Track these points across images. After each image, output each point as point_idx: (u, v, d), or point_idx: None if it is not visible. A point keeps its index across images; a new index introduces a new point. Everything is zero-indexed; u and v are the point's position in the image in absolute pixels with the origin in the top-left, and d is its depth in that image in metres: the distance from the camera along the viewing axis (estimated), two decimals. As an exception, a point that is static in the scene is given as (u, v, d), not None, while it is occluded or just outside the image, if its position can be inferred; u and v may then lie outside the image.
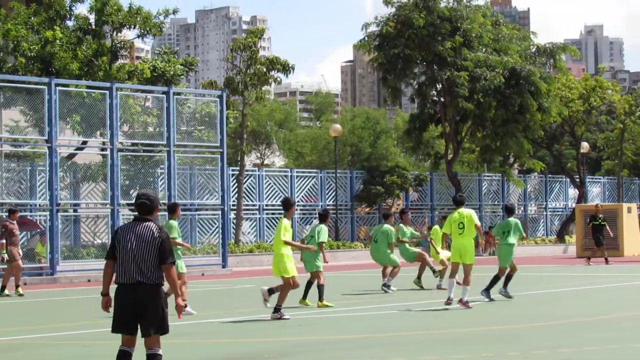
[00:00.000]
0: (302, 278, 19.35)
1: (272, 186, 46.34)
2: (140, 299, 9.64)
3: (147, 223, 9.82)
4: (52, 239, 31.36)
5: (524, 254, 47.17)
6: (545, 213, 58.62)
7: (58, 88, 32.19)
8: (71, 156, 37.65)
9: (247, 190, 44.63)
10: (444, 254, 25.38)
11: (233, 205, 42.36)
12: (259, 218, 45.62)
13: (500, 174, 56.40)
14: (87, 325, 17.19)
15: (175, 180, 34.87)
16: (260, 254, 41.42)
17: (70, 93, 34.07)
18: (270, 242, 44.51)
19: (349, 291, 25.15)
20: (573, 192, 60.12)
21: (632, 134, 62.56)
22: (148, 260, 9.68)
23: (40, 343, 15.43)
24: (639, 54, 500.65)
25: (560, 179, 60.63)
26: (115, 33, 39.61)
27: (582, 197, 57.74)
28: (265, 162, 72.55)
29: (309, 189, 47.98)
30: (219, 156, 36.15)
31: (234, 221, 42.49)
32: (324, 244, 20.65)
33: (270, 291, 18.28)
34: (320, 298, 20.47)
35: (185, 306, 19.38)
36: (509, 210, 22.30)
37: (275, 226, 45.50)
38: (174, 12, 40.90)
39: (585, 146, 57.52)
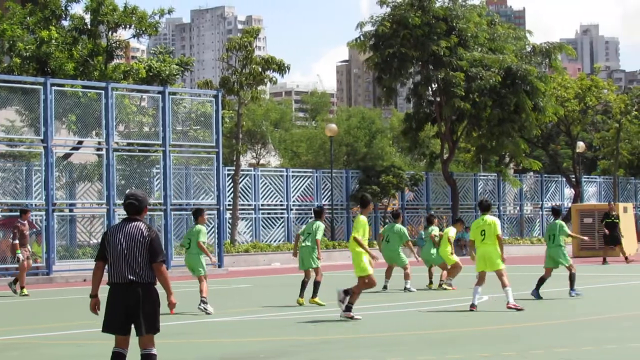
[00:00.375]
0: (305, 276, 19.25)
1: (267, 186, 46.30)
2: (132, 299, 9.63)
3: (136, 223, 9.84)
4: (48, 238, 31.30)
5: (520, 253, 47.20)
6: (541, 213, 58.62)
7: (54, 88, 32.14)
8: (67, 156, 37.59)
9: (242, 190, 44.58)
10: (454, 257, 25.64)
11: (229, 205, 42.32)
12: (255, 218, 45.59)
13: (495, 174, 56.40)
14: (82, 325, 17.14)
15: (171, 180, 34.83)
16: (256, 253, 41.39)
17: (66, 93, 34.02)
18: (265, 242, 44.51)
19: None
20: (569, 191, 60.15)
21: (628, 134, 62.60)
22: (139, 260, 9.70)
23: (36, 343, 15.39)
24: (634, 53, 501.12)
25: (556, 179, 60.65)
26: (110, 33, 39.55)
27: (578, 197, 57.76)
28: (261, 162, 72.52)
29: (304, 189, 47.94)
30: (214, 156, 36.11)
31: (230, 221, 42.46)
32: (319, 241, 20.85)
33: (346, 292, 17.68)
34: (314, 294, 20.64)
35: (205, 303, 19.44)
36: (555, 213, 22.52)
37: (271, 226, 45.73)
38: (169, 11, 40.88)
39: (581, 146, 57.55)
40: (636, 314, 17.61)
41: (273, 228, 46.23)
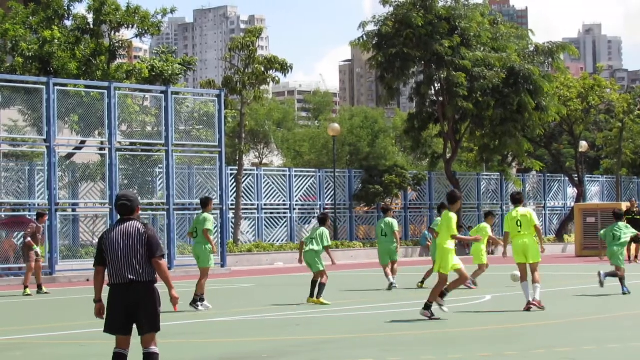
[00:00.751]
0: (306, 276, 19.29)
1: (270, 185, 46.34)
2: (133, 298, 9.66)
3: (131, 222, 9.90)
4: (50, 238, 31.34)
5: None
6: (544, 212, 58.62)
7: (56, 88, 32.17)
8: (70, 156, 37.63)
9: (245, 189, 44.61)
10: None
11: (231, 204, 42.35)
12: (258, 217, 45.61)
13: (498, 173, 56.39)
14: (85, 324, 17.17)
15: (174, 179, 34.86)
16: (259, 253, 41.43)
17: (69, 93, 34.06)
18: (268, 241, 44.54)
19: (347, 291, 25.15)
20: (572, 191, 60.14)
21: (630, 133, 62.58)
22: (138, 257, 9.74)
23: (38, 343, 15.42)
24: (637, 53, 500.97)
25: (559, 178, 60.65)
26: (113, 32, 39.60)
27: (580, 196, 57.73)
28: (264, 161, 72.50)
29: (307, 189, 47.97)
30: (217, 156, 36.13)
31: (233, 220, 42.49)
32: (330, 247, 21.12)
33: (442, 294, 17.50)
34: (319, 295, 20.71)
35: (203, 300, 19.73)
36: (617, 216, 22.64)
37: (274, 226, 45.74)
38: (172, 11, 40.90)
39: (583, 145, 57.53)
40: (636, 314, 17.62)
41: (276, 228, 46.26)
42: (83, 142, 37.33)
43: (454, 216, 17.54)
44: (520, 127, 50.73)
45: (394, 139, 76.71)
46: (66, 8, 39.11)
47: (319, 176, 48.60)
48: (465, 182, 54.33)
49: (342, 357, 13.28)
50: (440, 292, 17.44)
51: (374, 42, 50.23)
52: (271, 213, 46.29)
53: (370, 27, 50.45)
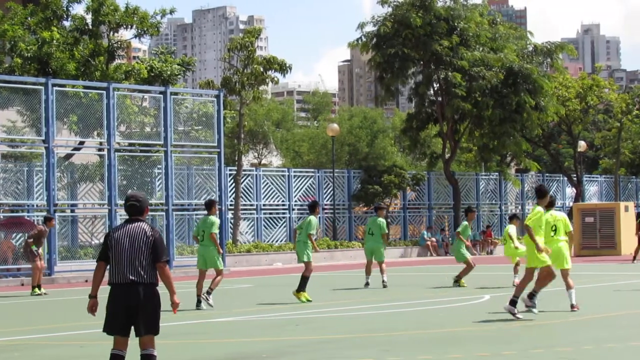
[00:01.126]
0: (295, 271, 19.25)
1: (269, 186, 46.34)
2: (134, 299, 9.65)
3: (139, 223, 9.85)
4: (49, 239, 31.28)
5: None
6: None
7: (55, 88, 32.15)
8: (68, 156, 37.61)
9: (244, 190, 44.61)
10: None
11: (231, 205, 42.35)
12: (257, 218, 45.61)
13: (497, 173, 56.42)
14: (84, 325, 17.17)
15: (173, 180, 34.84)
16: (258, 253, 41.42)
17: (67, 93, 34.04)
18: (267, 242, 44.53)
19: (347, 290, 25.16)
20: (570, 190, 60.18)
21: (629, 133, 62.64)
22: (142, 260, 9.71)
23: (38, 344, 15.42)
24: (636, 53, 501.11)
25: (558, 178, 60.68)
26: (112, 33, 39.58)
27: (579, 196, 57.76)
28: (263, 161, 72.49)
29: (306, 189, 47.97)
30: (216, 156, 36.10)
31: (232, 221, 42.48)
32: (313, 235, 21.40)
33: (531, 296, 17.45)
34: (300, 288, 21.17)
35: (209, 294, 20.24)
36: None
37: (273, 226, 45.71)
38: (171, 12, 40.87)
39: (582, 145, 57.56)
40: (635, 313, 17.63)
41: (275, 228, 46.26)
42: (82, 143, 37.32)
43: (540, 210, 17.40)
44: (519, 127, 50.77)
45: (393, 139, 76.75)
46: (65, 8, 39.09)
47: (318, 176, 48.61)
48: (464, 182, 54.35)
49: (342, 357, 13.28)
50: (529, 294, 17.23)
51: (372, 43, 50.25)
52: (270, 213, 46.30)
53: (369, 28, 50.54)
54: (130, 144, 37.04)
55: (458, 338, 14.90)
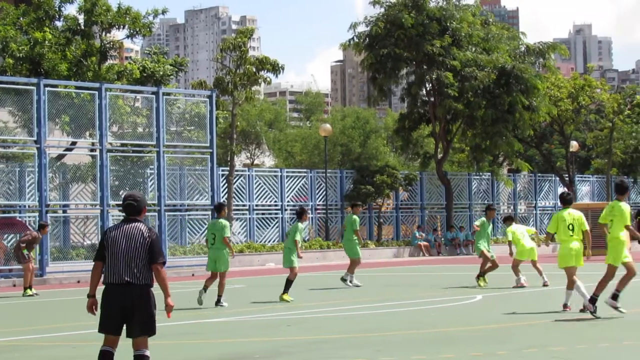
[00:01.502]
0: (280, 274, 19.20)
1: (262, 186, 46.30)
2: (129, 300, 9.62)
3: (136, 224, 9.82)
4: (41, 240, 31.23)
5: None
6: (534, 212, 58.72)
7: (47, 89, 32.10)
8: (60, 157, 37.54)
9: (237, 190, 44.58)
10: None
11: (223, 205, 42.26)
12: (249, 218, 45.57)
13: (489, 173, 56.46)
14: (77, 326, 17.14)
15: (165, 180, 34.80)
16: (250, 254, 41.38)
17: (59, 94, 33.98)
18: (259, 242, 44.50)
19: (339, 290, 25.14)
20: (562, 190, 60.23)
21: (621, 133, 62.70)
22: (138, 261, 9.68)
23: (30, 345, 15.38)
24: (627, 53, 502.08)
25: (550, 178, 60.75)
26: (104, 33, 39.52)
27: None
28: (255, 162, 72.47)
29: (299, 189, 47.95)
30: (208, 156, 36.08)
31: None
32: (298, 242, 22.03)
33: (614, 296, 17.13)
34: (284, 291, 21.75)
35: (219, 301, 20.83)
36: None
37: (265, 226, 45.68)
38: (163, 12, 40.84)
39: (574, 145, 57.63)
40: (629, 312, 17.63)
41: (267, 228, 46.23)
42: (74, 143, 37.25)
43: (627, 206, 17.31)
44: (511, 127, 50.82)
45: (386, 140, 76.78)
46: (57, 9, 39.02)
47: (311, 177, 48.59)
48: (456, 183, 54.39)
49: (336, 357, 13.27)
50: (612, 294, 17.10)
51: (365, 43, 50.26)
52: (262, 214, 46.26)
53: (362, 28, 50.55)
54: (122, 145, 36.99)
55: (451, 338, 14.89)
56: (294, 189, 47.67)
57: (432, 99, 50.30)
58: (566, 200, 18.28)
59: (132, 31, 39.68)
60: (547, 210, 59.84)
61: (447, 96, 47.92)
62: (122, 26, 39.32)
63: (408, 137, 53.07)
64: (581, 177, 63.60)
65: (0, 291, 28.15)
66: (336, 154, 72.00)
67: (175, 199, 39.06)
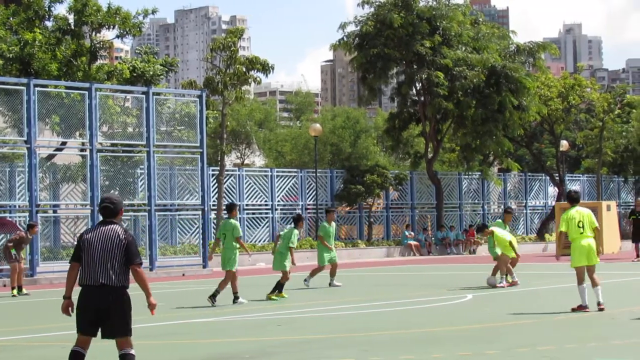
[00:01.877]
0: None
1: (252, 186, 46.28)
2: (104, 302, 9.67)
3: (112, 226, 9.89)
4: (31, 240, 31.19)
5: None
6: (525, 211, 58.81)
7: (37, 89, 32.06)
8: (50, 157, 37.51)
9: (227, 190, 44.56)
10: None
11: (213, 205, 42.29)
12: (240, 218, 45.54)
13: (480, 173, 56.51)
14: (66, 326, 17.11)
15: (155, 180, 34.79)
16: (241, 254, 41.22)
17: (49, 94, 33.95)
18: (250, 242, 44.48)
19: (329, 290, 25.17)
20: (553, 190, 60.33)
21: (611, 132, 62.79)
22: (114, 262, 9.74)
23: (20, 344, 15.38)
24: (617, 52, 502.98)
25: (540, 177, 60.85)
26: (94, 33, 39.49)
27: (561, 195, 57.84)
28: (246, 161, 72.42)
29: (289, 189, 47.94)
30: (199, 156, 36.08)
31: (215, 221, 42.42)
32: (293, 248, 22.84)
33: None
34: (273, 291, 22.46)
35: (237, 298, 21.36)
36: None
37: (255, 226, 45.67)
38: (153, 12, 40.84)
39: (564, 144, 57.71)
40: (617, 312, 17.69)
41: (258, 228, 46.22)
42: (64, 143, 37.22)
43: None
44: (501, 126, 50.87)
45: (376, 139, 76.79)
46: (47, 9, 38.99)
47: (301, 176, 48.58)
48: (446, 182, 54.44)
49: (325, 357, 13.30)
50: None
51: (355, 43, 50.26)
52: (253, 213, 46.25)
53: (351, 28, 50.54)
54: (112, 145, 36.97)
55: (440, 338, 14.93)
56: (284, 188, 47.67)
57: (422, 99, 50.34)
58: (573, 199, 18.28)
59: (122, 31, 39.67)
60: (538, 209, 59.95)
61: (437, 95, 47.96)
62: (112, 26, 39.30)
63: (398, 137, 53.09)
64: (571, 176, 63.71)
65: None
66: (326, 154, 71.97)
67: (166, 199, 39.04)
